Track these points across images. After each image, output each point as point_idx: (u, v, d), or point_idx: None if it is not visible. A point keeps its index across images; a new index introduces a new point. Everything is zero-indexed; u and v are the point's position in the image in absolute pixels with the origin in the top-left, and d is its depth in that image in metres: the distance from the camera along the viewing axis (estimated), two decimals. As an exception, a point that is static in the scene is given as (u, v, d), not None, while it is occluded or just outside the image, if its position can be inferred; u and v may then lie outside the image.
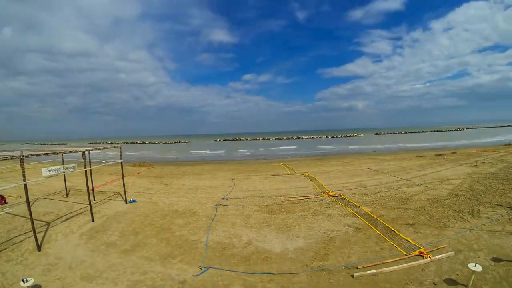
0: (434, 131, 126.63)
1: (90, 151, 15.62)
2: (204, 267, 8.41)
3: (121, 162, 16.80)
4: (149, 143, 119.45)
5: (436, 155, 33.11)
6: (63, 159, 16.75)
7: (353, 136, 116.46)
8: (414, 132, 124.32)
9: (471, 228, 10.18)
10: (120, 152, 16.35)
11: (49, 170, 11.25)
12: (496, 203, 12.72)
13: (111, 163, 18.53)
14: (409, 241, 9.44)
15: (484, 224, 10.41)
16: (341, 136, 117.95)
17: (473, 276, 6.75)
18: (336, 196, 15.69)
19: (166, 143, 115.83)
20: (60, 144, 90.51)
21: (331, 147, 66.06)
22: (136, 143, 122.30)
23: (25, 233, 11.08)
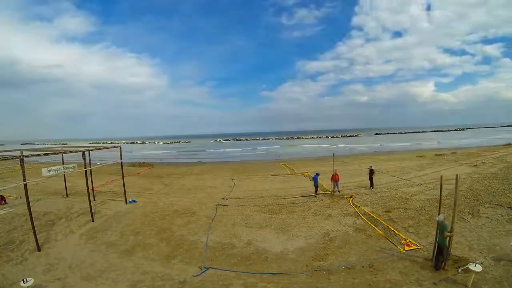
0: (434, 131, 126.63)
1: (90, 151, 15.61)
2: (204, 267, 8.40)
3: (121, 162, 16.80)
4: (149, 143, 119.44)
5: (436, 155, 33.09)
6: (63, 159, 16.75)
7: (353, 136, 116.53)
8: (414, 132, 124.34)
9: (471, 228, 10.18)
10: (120, 152, 16.35)
11: (49, 170, 11.27)
12: (496, 203, 12.71)
13: (111, 163, 18.52)
14: (409, 241, 9.44)
15: (484, 224, 10.40)
16: (341, 136, 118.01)
17: (473, 276, 6.74)
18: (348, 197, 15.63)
19: (166, 143, 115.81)
20: (59, 144, 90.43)
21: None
22: (136, 143, 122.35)
23: (25, 233, 11.07)
